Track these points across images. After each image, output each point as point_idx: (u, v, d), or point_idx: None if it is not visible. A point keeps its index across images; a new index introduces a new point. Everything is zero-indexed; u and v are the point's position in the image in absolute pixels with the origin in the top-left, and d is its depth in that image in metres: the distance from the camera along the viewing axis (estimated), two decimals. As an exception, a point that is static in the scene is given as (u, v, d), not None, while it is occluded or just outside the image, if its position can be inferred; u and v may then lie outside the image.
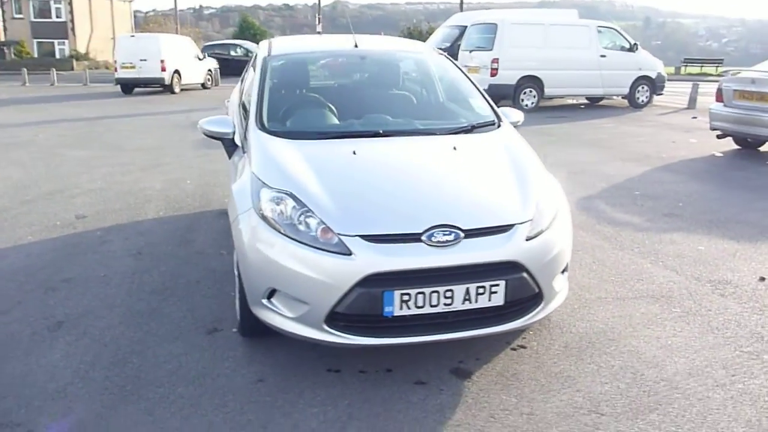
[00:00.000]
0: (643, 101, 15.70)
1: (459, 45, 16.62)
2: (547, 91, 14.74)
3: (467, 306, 2.91)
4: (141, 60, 20.03)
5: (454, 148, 3.51)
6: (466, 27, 16.73)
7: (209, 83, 23.10)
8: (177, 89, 20.76)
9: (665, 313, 3.84)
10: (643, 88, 15.66)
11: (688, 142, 10.20)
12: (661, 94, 16.18)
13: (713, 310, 3.88)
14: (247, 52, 31.67)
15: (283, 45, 4.45)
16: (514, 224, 3.02)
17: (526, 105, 14.41)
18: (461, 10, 24.30)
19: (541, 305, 3.13)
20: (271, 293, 3.03)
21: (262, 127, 3.64)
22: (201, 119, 4.05)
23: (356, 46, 4.46)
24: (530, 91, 14.63)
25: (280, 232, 2.97)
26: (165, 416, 2.80)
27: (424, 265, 2.85)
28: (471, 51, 15.14)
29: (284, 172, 3.20)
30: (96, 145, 10.11)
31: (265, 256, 3.00)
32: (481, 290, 2.91)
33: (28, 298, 4.05)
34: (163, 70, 20.09)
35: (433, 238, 2.87)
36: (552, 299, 3.19)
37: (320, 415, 2.80)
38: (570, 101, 17.01)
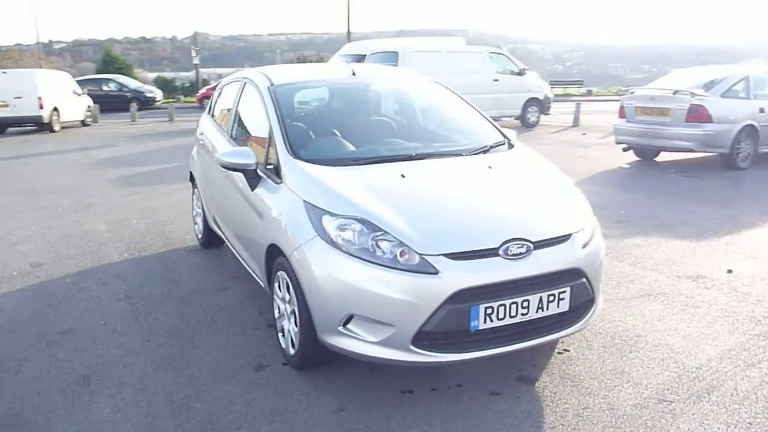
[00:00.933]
0: (533, 121, 16.84)
1: (358, 74, 16.95)
2: (448, 115, 15.37)
3: (540, 314, 3.07)
4: (15, 98, 18.56)
5: (489, 167, 3.69)
6: (361, 56, 17.17)
7: (89, 120, 21.79)
8: (57, 127, 19.39)
9: (668, 309, 4.21)
10: (532, 108, 16.82)
11: (593, 157, 11.09)
12: (548, 114, 17.45)
13: (706, 302, 4.31)
14: (121, 87, 30.28)
15: (282, 74, 4.42)
16: (572, 233, 3.23)
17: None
18: (349, 40, 24.75)
19: (593, 309, 3.35)
20: (348, 319, 3.02)
21: (296, 156, 3.62)
22: (219, 153, 3.94)
23: (354, 74, 4.54)
24: (434, 116, 15.19)
25: (357, 257, 2.97)
26: (267, 456, 2.70)
27: (505, 277, 2.98)
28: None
29: (345, 199, 3.20)
30: (3, 189, 9.28)
31: (342, 283, 2.99)
32: (551, 298, 3.08)
33: (32, 355, 3.70)
34: (42, 107, 18.70)
35: (508, 252, 3.01)
36: (599, 303, 3.43)
37: (422, 435, 2.83)
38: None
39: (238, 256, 4.49)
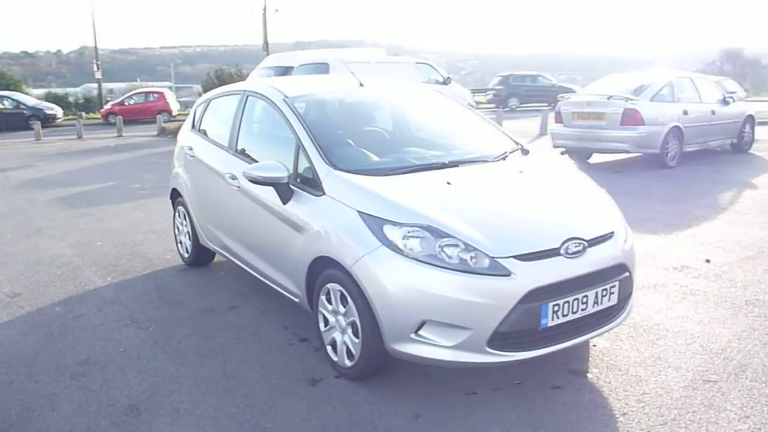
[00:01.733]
0: (460, 129, 17.34)
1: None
2: (381, 124, 15.57)
3: (595, 308, 3.24)
4: None
5: (521, 172, 3.84)
6: (286, 68, 17.08)
7: (-10, 139, 20.32)
8: (-45, 148, 17.97)
9: (670, 299, 4.52)
10: (458, 116, 17.31)
11: (531, 161, 11.59)
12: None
13: (701, 290, 4.66)
14: (18, 104, 28.39)
15: (292, 87, 4.37)
16: (614, 231, 3.43)
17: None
18: (266, 51, 24.42)
19: (630, 302, 3.56)
20: (420, 326, 3.06)
21: (335, 167, 3.61)
22: (246, 168, 3.86)
23: (362, 85, 4.57)
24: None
25: (428, 263, 3.02)
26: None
27: (569, 275, 3.13)
28: (304, 90, 15.44)
29: (405, 207, 3.24)
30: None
31: (415, 290, 3.03)
32: (604, 292, 3.26)
33: (60, 389, 3.47)
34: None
35: (568, 251, 3.16)
36: (632, 297, 3.65)
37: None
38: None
39: (254, 272, 4.39)
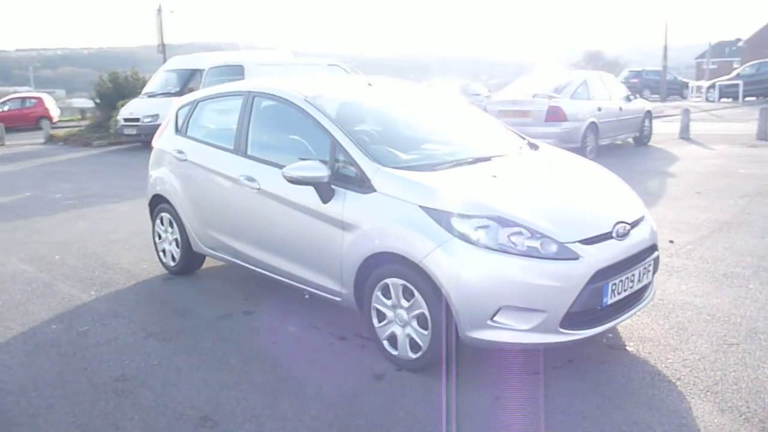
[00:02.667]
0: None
1: (191, 88, 16.39)
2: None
3: (639, 286, 3.54)
4: None
5: (549, 164, 4.07)
6: (193, 70, 16.58)
7: None
8: None
9: (660, 276, 4.88)
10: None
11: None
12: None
13: (681, 268, 5.14)
14: None
15: (307, 87, 4.33)
16: (644, 215, 3.75)
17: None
18: (164, 53, 23.33)
19: (653, 280, 3.90)
20: (496, 312, 3.20)
21: (382, 164, 3.66)
22: (286, 168, 3.80)
23: (370, 85, 4.64)
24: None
25: (502, 251, 3.17)
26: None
27: (623, 256, 3.39)
28: (217, 93, 15.03)
29: (470, 200, 3.36)
30: None
31: (491, 277, 3.16)
32: (645, 271, 3.57)
33: (110, 408, 3.27)
34: None
35: (618, 233, 3.42)
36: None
37: (594, 405, 3.12)
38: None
39: (274, 274, 4.33)
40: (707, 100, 26.76)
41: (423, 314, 3.38)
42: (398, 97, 4.85)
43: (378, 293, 3.59)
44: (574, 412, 3.07)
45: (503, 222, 3.25)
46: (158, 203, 5.41)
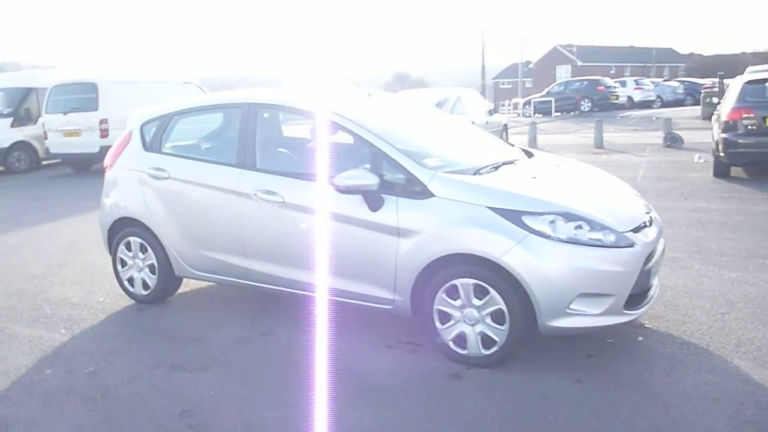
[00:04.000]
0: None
1: (27, 109, 14.90)
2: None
3: (661, 266, 4.02)
4: None
5: (558, 166, 4.43)
6: (28, 89, 15.09)
7: None
8: None
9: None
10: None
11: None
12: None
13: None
14: None
15: (321, 98, 4.25)
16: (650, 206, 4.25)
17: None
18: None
19: None
20: (572, 300, 3.46)
21: (434, 171, 3.76)
22: (337, 177, 3.73)
23: (370, 95, 4.69)
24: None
25: (574, 243, 3.44)
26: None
27: (658, 243, 3.84)
28: (65, 113, 13.69)
29: (536, 199, 3.59)
30: None
31: (570, 267, 3.42)
32: (662, 254, 4.05)
33: (201, 443, 3.00)
34: None
35: (647, 223, 3.86)
36: None
37: (663, 373, 3.49)
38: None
39: (295, 290, 4.19)
40: (523, 115, 29.63)
41: (500, 310, 3.52)
42: (398, 109, 4.94)
43: (442, 295, 3.67)
44: (648, 382, 3.41)
45: (569, 217, 3.52)
46: (122, 228, 4.93)
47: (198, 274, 4.67)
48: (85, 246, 6.87)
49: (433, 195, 3.68)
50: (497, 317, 3.55)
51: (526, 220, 3.49)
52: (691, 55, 70.25)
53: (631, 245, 3.56)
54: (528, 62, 78.87)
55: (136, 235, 4.86)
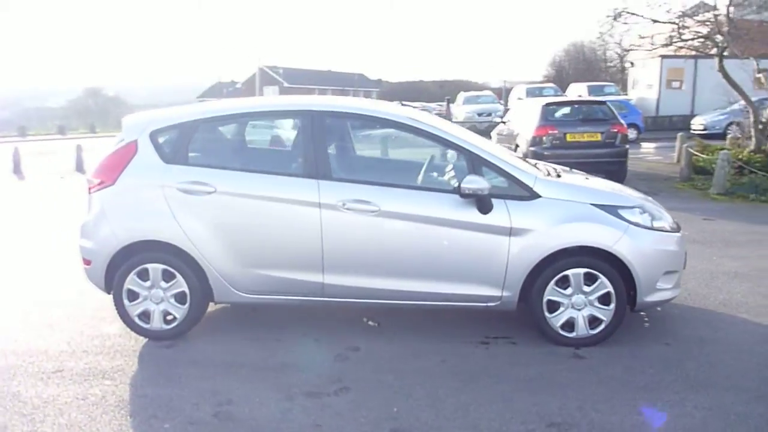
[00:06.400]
0: None
1: None
2: None
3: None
4: None
5: (570, 169, 5.10)
6: None
7: None
8: None
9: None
10: None
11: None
12: None
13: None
14: None
15: (385, 109, 4.24)
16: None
17: None
18: None
19: None
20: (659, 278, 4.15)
21: (536, 175, 4.16)
22: (464, 182, 3.83)
23: (402, 104, 4.79)
24: None
25: (657, 230, 4.16)
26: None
27: (672, 227, 4.77)
28: None
29: (622, 195, 4.24)
30: None
31: (660, 251, 4.14)
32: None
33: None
34: None
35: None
36: None
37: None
38: None
39: (383, 300, 4.16)
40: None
41: (608, 293, 4.04)
42: (425, 118, 5.07)
43: (553, 286, 4.05)
44: (707, 355, 4.15)
45: (644, 209, 4.22)
46: (133, 254, 4.18)
47: (247, 297, 4.22)
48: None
49: (539, 196, 4.05)
50: (604, 299, 4.07)
51: (622, 213, 4.09)
52: (379, 80, 78.09)
53: (679, 230, 4.40)
54: (235, 82, 79.15)
55: (157, 261, 4.16)
